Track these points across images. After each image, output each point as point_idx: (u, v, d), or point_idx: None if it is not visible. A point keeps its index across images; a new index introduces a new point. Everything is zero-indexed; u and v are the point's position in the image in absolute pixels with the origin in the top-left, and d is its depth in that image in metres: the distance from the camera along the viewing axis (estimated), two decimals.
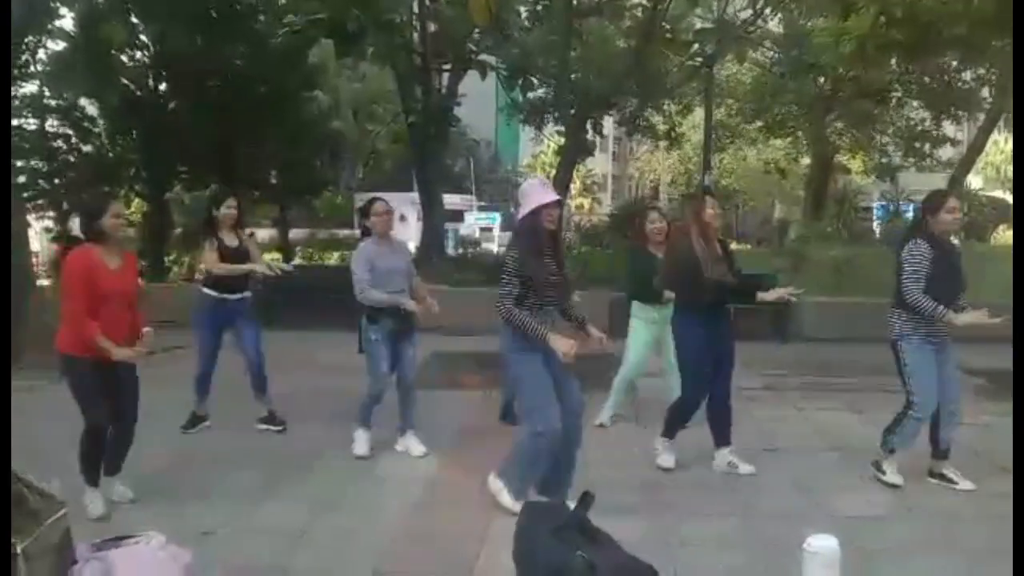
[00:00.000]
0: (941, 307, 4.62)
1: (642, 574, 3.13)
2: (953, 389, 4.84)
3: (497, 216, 35.77)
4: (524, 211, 4.30)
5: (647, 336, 6.10)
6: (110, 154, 14.83)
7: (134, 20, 13.55)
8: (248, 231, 6.19)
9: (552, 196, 4.28)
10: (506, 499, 4.34)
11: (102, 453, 4.42)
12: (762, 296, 5.06)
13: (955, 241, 5.01)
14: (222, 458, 5.35)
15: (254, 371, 6.00)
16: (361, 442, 5.45)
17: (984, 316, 4.64)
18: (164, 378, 5.84)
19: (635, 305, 6.14)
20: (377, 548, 4.00)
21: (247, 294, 6.00)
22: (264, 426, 6.02)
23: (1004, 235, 24.67)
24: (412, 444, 5.48)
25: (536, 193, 4.30)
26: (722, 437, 5.18)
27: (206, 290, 5.90)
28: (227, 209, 5.92)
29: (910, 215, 28.14)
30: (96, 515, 4.29)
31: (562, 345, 4.11)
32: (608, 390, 6.30)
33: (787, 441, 5.81)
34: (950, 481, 4.88)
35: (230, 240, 5.92)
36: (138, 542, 3.23)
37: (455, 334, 8.78)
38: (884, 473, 4.92)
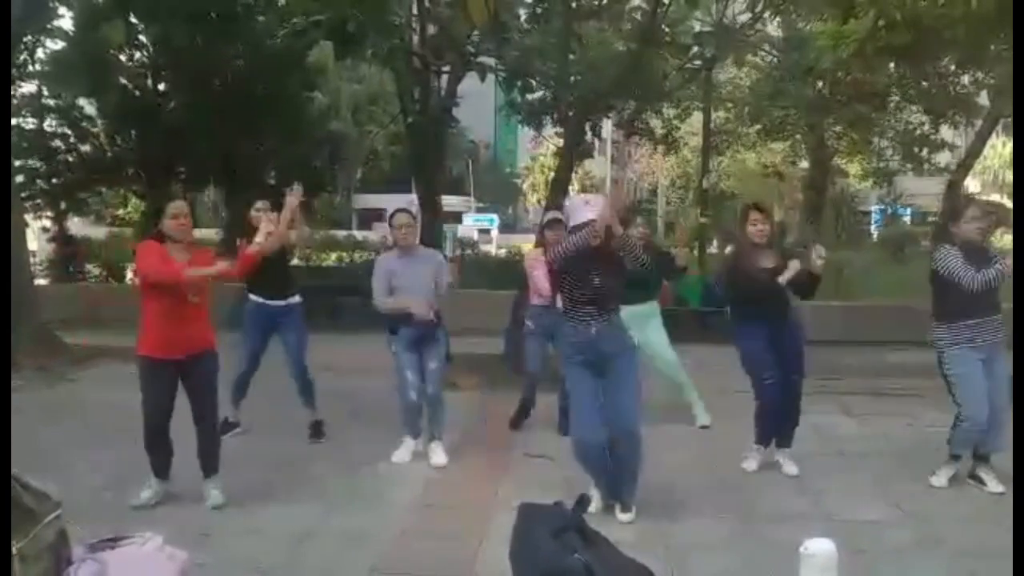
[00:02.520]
0: (985, 272, 4.57)
1: None
2: (999, 396, 4.78)
3: (495, 218, 35.79)
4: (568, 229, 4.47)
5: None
6: (108, 154, 14.81)
7: (133, 20, 13.53)
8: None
9: (589, 215, 4.27)
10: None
11: (158, 455, 4.54)
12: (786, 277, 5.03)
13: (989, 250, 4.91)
14: (225, 460, 5.34)
15: (296, 378, 5.91)
16: (401, 449, 5.42)
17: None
18: None
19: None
20: (376, 548, 4.00)
21: (292, 300, 5.81)
22: (312, 438, 5.92)
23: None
24: (433, 453, 5.41)
25: (576, 213, 4.39)
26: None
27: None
28: (255, 212, 5.71)
29: (907, 219, 28.26)
30: (136, 501, 4.43)
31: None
32: None
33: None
34: (981, 482, 4.89)
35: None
36: (134, 543, 3.22)
37: (454, 335, 8.74)
38: (934, 474, 4.96)
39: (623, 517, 4.36)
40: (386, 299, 5.28)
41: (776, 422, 5.23)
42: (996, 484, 4.83)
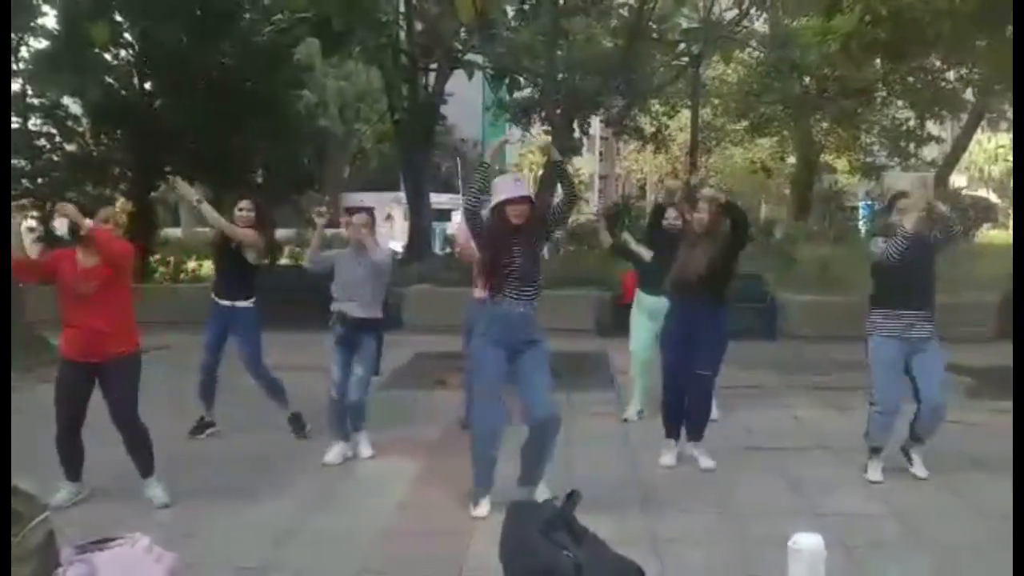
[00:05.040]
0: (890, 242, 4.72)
1: (628, 573, 3.13)
2: (929, 385, 4.84)
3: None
4: (490, 206, 4.39)
5: (645, 323, 6.25)
6: (94, 153, 14.71)
7: (118, 18, 13.44)
8: None
9: (516, 191, 4.31)
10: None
11: (68, 455, 4.47)
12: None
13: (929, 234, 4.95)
14: (207, 460, 5.33)
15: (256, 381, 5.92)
16: (332, 451, 5.38)
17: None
18: (149, 378, 5.79)
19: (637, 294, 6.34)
20: (365, 547, 3.99)
21: (244, 303, 5.77)
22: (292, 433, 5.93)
23: (987, 234, 24.86)
24: (360, 444, 5.46)
25: (500, 188, 4.37)
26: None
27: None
28: (239, 212, 5.74)
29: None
30: (53, 503, 4.21)
31: None
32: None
33: (773, 439, 5.83)
34: (908, 460, 4.99)
35: None
36: (122, 544, 3.21)
37: (441, 333, 8.75)
38: (865, 471, 4.99)
39: (542, 492, 4.35)
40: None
41: (676, 413, 5.25)
42: (921, 468, 4.95)
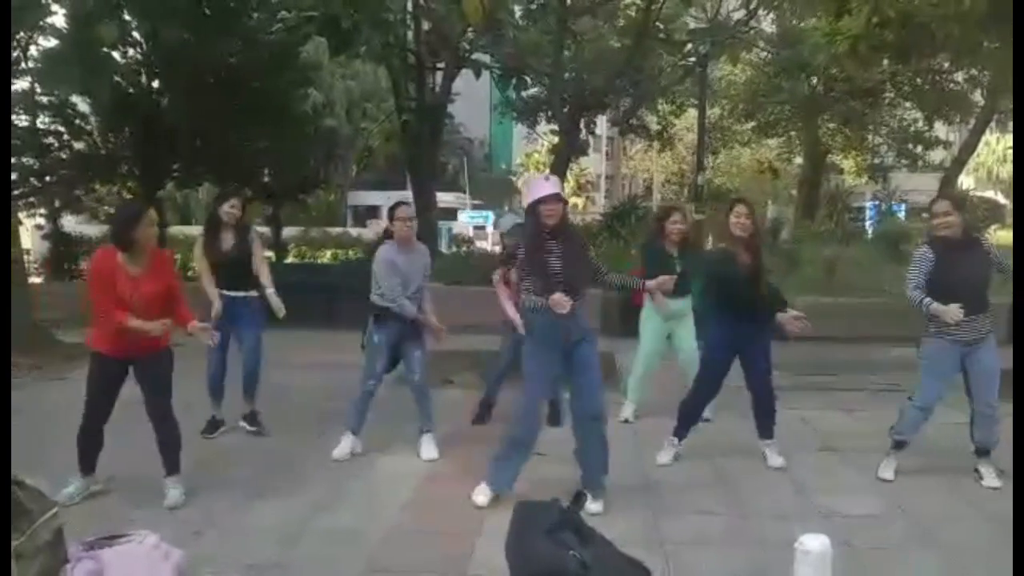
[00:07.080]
0: (927, 298, 4.70)
1: (635, 573, 3.14)
2: (984, 390, 4.84)
3: (490, 215, 35.79)
4: (525, 206, 4.41)
5: (658, 326, 6.25)
6: (102, 151, 14.74)
7: (126, 17, 13.48)
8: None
9: (548, 190, 4.29)
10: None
11: (89, 448, 4.49)
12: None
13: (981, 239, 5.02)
14: (214, 458, 5.34)
15: (245, 372, 5.89)
16: (342, 444, 5.39)
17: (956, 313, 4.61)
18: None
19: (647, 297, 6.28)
20: (371, 546, 4.00)
21: (251, 293, 5.77)
22: (244, 424, 5.92)
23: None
24: (423, 447, 5.43)
25: (533, 188, 4.37)
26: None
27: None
28: (229, 209, 5.73)
29: (901, 215, 28.40)
30: (60, 498, 4.23)
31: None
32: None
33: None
34: (980, 476, 4.94)
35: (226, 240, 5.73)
36: (130, 541, 3.23)
37: (449, 332, 8.74)
38: (878, 469, 5.00)
39: (594, 507, 4.27)
40: (407, 302, 5.26)
41: (696, 415, 5.39)
42: (993, 479, 4.87)
